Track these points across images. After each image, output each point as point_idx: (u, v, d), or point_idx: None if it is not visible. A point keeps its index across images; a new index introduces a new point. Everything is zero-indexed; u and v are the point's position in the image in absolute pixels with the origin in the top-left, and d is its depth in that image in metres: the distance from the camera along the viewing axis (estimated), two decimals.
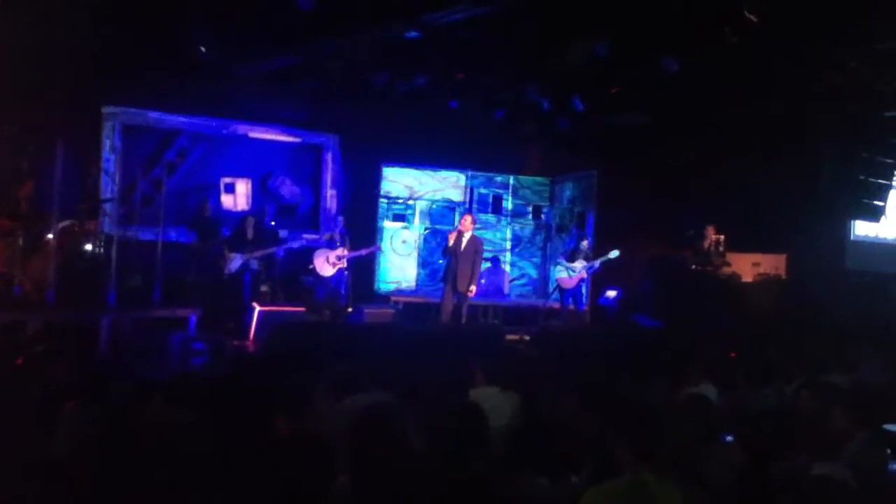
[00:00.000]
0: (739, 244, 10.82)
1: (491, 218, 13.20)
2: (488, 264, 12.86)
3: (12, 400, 3.74)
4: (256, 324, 9.02)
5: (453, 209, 12.92)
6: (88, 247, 9.32)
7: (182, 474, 2.97)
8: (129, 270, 9.41)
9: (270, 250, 10.44)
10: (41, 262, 8.55)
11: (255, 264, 10.31)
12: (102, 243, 9.46)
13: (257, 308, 9.23)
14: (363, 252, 10.80)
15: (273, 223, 10.93)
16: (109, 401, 3.91)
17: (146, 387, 4.13)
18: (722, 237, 10.68)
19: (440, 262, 10.76)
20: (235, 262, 10.12)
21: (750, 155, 10.52)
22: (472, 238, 9.80)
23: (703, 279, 10.32)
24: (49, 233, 8.51)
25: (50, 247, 8.44)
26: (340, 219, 11.03)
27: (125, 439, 3.09)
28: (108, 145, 10.98)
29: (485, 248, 11.63)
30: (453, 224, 12.60)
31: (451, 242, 9.68)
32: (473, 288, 9.73)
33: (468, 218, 9.97)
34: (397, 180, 12.77)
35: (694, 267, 10.46)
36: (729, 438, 3.73)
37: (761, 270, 10.84)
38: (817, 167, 10.36)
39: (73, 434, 3.66)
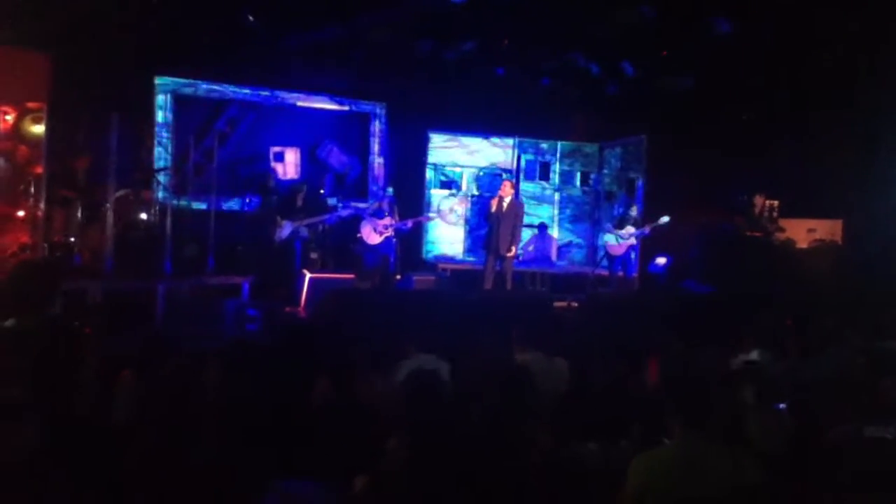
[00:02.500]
0: (794, 210, 10.59)
1: (538, 185, 13.12)
2: (535, 231, 12.82)
3: (74, 367, 3.85)
4: (307, 291, 9.16)
5: (500, 176, 12.86)
6: (144, 216, 9.54)
7: (237, 440, 3.04)
8: (182, 239, 9.62)
9: (320, 218, 10.55)
10: (99, 231, 8.78)
11: (304, 232, 10.43)
12: (157, 212, 9.68)
13: (308, 275, 9.35)
14: (409, 223, 10.82)
15: (322, 191, 11.03)
16: (167, 368, 4.01)
17: (202, 353, 4.23)
18: (775, 203, 10.44)
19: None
20: (285, 229, 10.25)
21: (805, 118, 10.24)
22: (513, 202, 9.95)
23: (756, 245, 10.13)
24: (106, 203, 8.73)
25: (107, 216, 8.66)
26: (389, 189, 11.08)
27: (182, 406, 3.17)
28: (161, 116, 11.17)
29: (532, 214, 11.68)
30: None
31: (493, 209, 9.80)
32: (514, 249, 9.87)
33: (507, 183, 10.10)
34: (445, 148, 12.74)
35: (747, 233, 10.27)
36: (781, 406, 3.69)
37: (817, 236, 10.59)
38: (875, 130, 10.04)
39: (130, 401, 3.77)
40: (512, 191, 10.04)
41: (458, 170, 12.79)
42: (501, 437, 2.91)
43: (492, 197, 10.39)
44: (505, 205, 9.79)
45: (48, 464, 2.80)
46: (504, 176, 12.63)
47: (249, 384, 3.64)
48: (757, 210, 10.27)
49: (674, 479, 2.76)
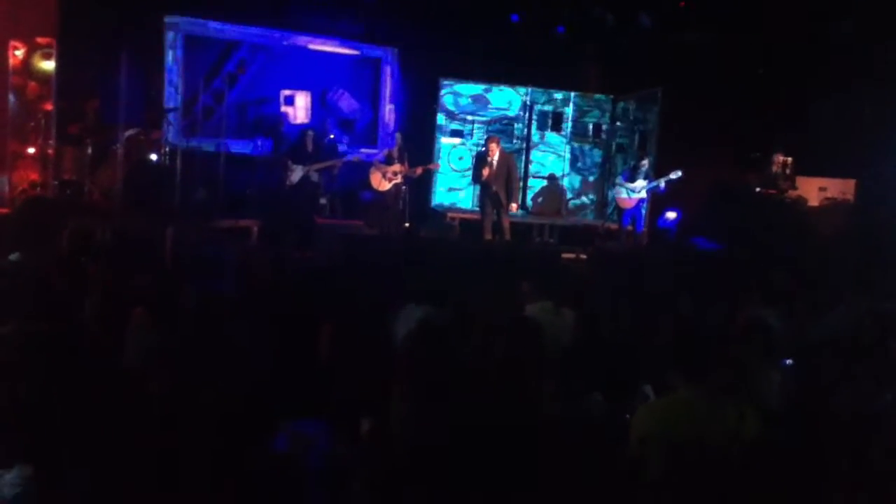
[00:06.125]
0: (806, 167, 10.49)
1: (550, 136, 12.99)
2: (544, 181, 12.75)
3: (78, 302, 3.86)
4: (315, 237, 9.17)
5: (512, 125, 12.74)
6: (154, 157, 9.52)
7: (245, 385, 3.07)
8: (192, 181, 9.61)
9: (330, 163, 10.51)
10: (109, 170, 8.78)
11: (315, 177, 10.42)
12: (167, 154, 9.65)
13: (317, 221, 9.36)
14: (418, 170, 10.80)
15: (332, 136, 10.97)
16: (177, 309, 4.03)
17: (212, 297, 4.24)
18: (790, 160, 10.36)
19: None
20: (296, 174, 10.24)
21: (821, 75, 10.08)
22: (502, 157, 9.89)
23: (768, 203, 10.07)
24: (116, 142, 8.70)
25: (117, 156, 8.64)
26: (398, 136, 11.01)
27: (192, 348, 3.19)
28: (171, 56, 11.05)
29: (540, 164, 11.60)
30: (511, 141, 12.48)
31: (484, 176, 9.76)
32: (513, 206, 9.92)
33: (493, 144, 9.98)
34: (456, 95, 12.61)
35: (759, 190, 10.20)
36: (788, 362, 3.70)
37: (828, 195, 10.52)
38: (892, 89, 9.88)
39: (141, 341, 3.78)
40: (498, 148, 9.95)
41: (468, 117, 12.66)
42: (508, 388, 2.93)
43: (482, 153, 10.26)
44: (495, 164, 9.75)
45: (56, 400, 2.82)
46: (516, 127, 12.54)
47: (259, 327, 3.67)
48: (775, 167, 10.19)
49: (675, 428, 2.80)
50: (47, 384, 2.26)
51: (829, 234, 9.36)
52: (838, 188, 10.52)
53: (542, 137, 12.88)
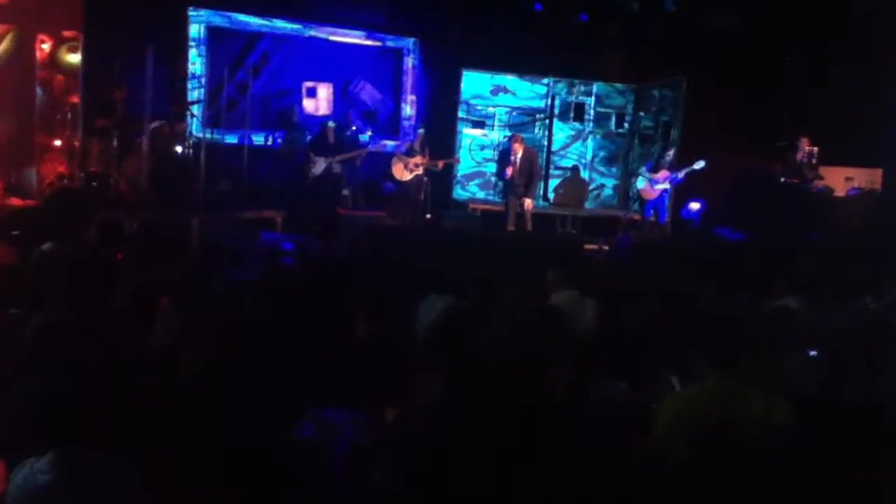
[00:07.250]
0: (832, 157, 10.37)
1: (572, 126, 12.93)
2: (567, 172, 12.70)
3: (107, 292, 3.91)
4: (339, 227, 9.21)
5: (534, 116, 12.70)
6: (179, 149, 9.59)
7: (270, 374, 3.10)
8: (216, 173, 9.68)
9: (354, 154, 10.56)
10: (135, 162, 8.86)
11: (337, 168, 10.46)
12: (191, 146, 9.72)
13: (340, 212, 9.40)
14: (440, 164, 10.86)
15: (354, 128, 11.00)
16: (203, 299, 4.07)
17: (238, 285, 4.29)
18: (816, 149, 10.23)
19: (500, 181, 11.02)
20: (319, 166, 10.28)
21: (846, 62, 9.95)
22: (525, 154, 10.17)
23: (793, 192, 9.97)
24: (142, 135, 8.77)
25: (143, 148, 8.72)
26: (421, 130, 11.05)
27: (217, 337, 3.23)
28: (195, 47, 11.13)
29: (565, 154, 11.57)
30: (533, 132, 12.45)
31: (509, 174, 10.08)
32: (530, 202, 10.12)
33: (516, 143, 10.26)
34: (477, 87, 12.57)
35: (783, 180, 10.09)
36: (813, 353, 3.68)
37: (855, 184, 10.39)
38: None
39: (169, 328, 3.84)
40: (522, 146, 10.20)
41: (490, 109, 12.62)
42: (533, 376, 2.93)
43: (506, 149, 10.39)
44: (518, 162, 9.94)
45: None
46: (538, 118, 12.50)
47: (283, 316, 3.70)
48: (800, 155, 10.08)
49: (703, 416, 2.79)
50: (76, 372, 2.30)
51: (856, 223, 9.26)
52: (865, 177, 10.38)
53: (582, 133, 12.84)
